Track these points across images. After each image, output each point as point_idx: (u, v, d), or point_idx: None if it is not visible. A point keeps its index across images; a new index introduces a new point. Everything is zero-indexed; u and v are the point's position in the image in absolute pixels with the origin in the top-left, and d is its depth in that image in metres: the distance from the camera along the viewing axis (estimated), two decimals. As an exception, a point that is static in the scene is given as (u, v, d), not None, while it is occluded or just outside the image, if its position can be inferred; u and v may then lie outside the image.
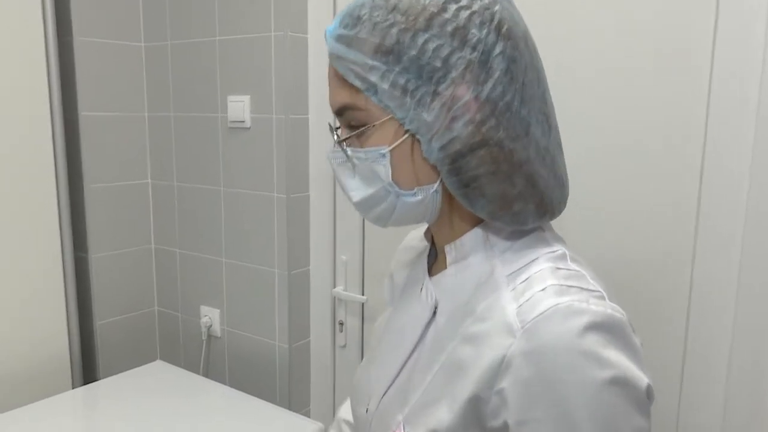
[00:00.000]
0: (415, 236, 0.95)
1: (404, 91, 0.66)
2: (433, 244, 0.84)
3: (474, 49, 0.65)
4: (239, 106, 1.79)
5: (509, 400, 0.63)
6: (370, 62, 0.67)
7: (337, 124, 0.77)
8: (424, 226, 0.87)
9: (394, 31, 0.66)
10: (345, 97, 0.70)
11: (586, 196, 1.31)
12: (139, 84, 2.02)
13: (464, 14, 0.65)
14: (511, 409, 0.63)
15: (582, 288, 0.65)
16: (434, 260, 0.83)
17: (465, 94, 0.65)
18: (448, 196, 0.72)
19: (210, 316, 1.99)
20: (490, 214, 0.70)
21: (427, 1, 0.66)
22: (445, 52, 0.65)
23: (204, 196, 1.95)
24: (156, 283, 2.15)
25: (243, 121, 1.79)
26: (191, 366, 2.07)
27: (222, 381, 1.96)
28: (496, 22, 0.66)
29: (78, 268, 1.91)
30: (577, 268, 0.69)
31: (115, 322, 2.05)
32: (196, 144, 1.94)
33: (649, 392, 0.63)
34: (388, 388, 0.78)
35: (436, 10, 0.65)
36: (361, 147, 0.71)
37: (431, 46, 0.65)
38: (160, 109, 2.02)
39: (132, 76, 2.00)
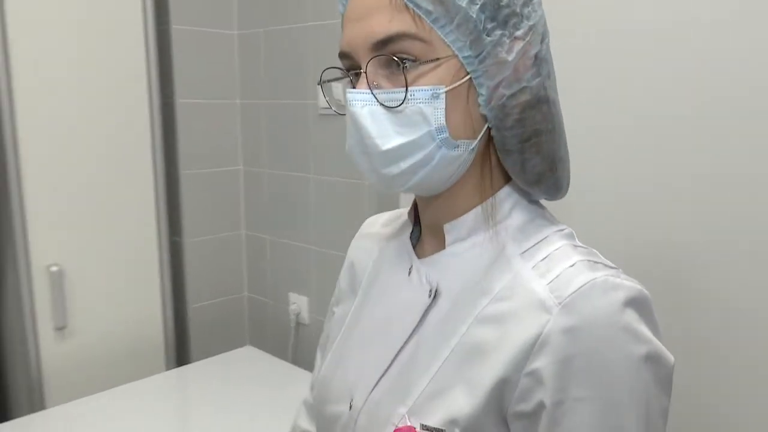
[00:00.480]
0: (375, 222, 0.90)
1: (483, 27, 0.62)
2: (416, 224, 0.78)
3: (539, 6, 0.66)
4: (331, 92, 1.77)
5: (546, 379, 0.60)
6: None
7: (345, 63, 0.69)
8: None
9: None
10: (404, 24, 0.61)
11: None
12: (231, 71, 2.05)
13: None
14: (548, 388, 0.60)
15: (606, 265, 0.65)
16: (417, 242, 0.77)
17: (533, 47, 0.65)
18: (478, 162, 0.68)
19: (298, 303, 1.99)
20: (538, 177, 0.68)
21: None
22: (519, 1, 0.64)
23: (294, 183, 1.95)
24: (246, 269, 2.18)
25: (340, 98, 1.76)
26: (279, 352, 2.08)
27: (309, 369, 1.96)
28: None
29: (172, 253, 1.95)
30: (588, 247, 0.69)
31: (207, 306, 2.09)
32: (287, 131, 1.94)
33: (672, 369, 0.64)
34: (380, 379, 0.71)
35: None
36: (412, 84, 0.62)
37: None
38: (251, 97, 2.04)
39: (225, 63, 2.03)
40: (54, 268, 1.66)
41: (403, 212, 0.86)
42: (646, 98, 1.20)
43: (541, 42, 0.66)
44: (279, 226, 2.03)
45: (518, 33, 0.63)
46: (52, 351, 1.70)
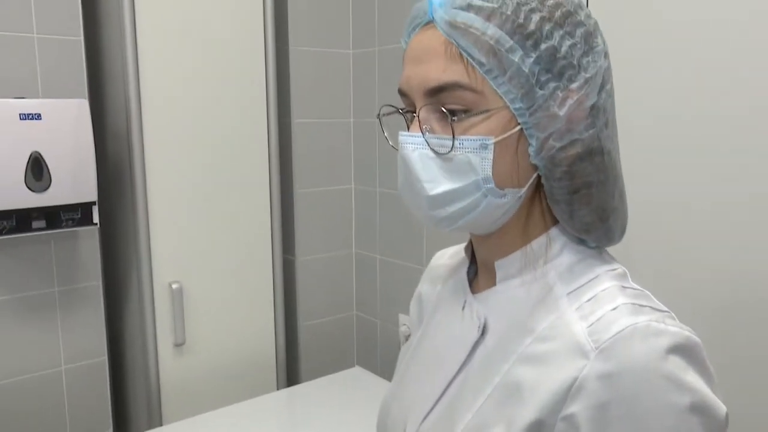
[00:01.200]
0: (444, 254, 0.92)
1: (536, 80, 0.62)
2: (473, 260, 0.79)
3: (600, 57, 0.65)
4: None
5: (581, 425, 0.59)
6: (511, 41, 0.61)
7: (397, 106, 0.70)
8: (451, 245, 0.89)
9: (536, 17, 0.62)
10: (457, 74, 0.62)
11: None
12: (345, 90, 2.04)
13: (591, 21, 0.66)
14: None
15: (653, 308, 0.63)
16: (474, 277, 0.79)
17: (589, 98, 0.64)
18: (527, 205, 0.68)
19: (408, 325, 1.95)
20: (587, 226, 0.68)
21: None
22: (578, 52, 0.64)
23: (406, 203, 1.91)
24: (355, 288, 2.16)
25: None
26: (388, 374, 2.04)
27: (418, 393, 1.91)
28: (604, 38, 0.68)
29: (284, 271, 1.96)
30: (641, 288, 0.67)
31: (317, 325, 2.09)
32: (400, 150, 1.91)
33: (726, 421, 0.61)
34: (430, 411, 0.73)
35: (571, 9, 0.64)
36: (462, 134, 0.62)
37: (567, 42, 0.63)
38: (365, 115, 2.02)
39: (339, 82, 2.03)
40: (175, 285, 1.70)
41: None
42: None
43: (599, 92, 0.65)
44: (390, 245, 2.00)
45: (573, 86, 0.63)
46: (170, 367, 1.74)
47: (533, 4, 0.63)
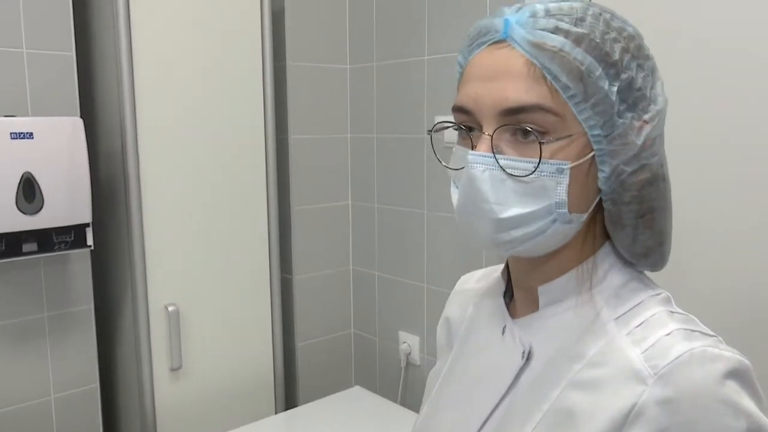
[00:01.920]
0: (470, 278, 0.91)
1: (617, 109, 0.62)
2: (508, 283, 0.78)
3: (662, 89, 0.66)
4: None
5: None
6: (599, 68, 0.61)
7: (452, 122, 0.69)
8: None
9: (617, 47, 0.62)
10: (540, 97, 0.61)
11: None
12: (342, 106, 2.02)
13: (652, 54, 0.67)
14: None
15: (703, 333, 0.63)
16: (510, 301, 0.77)
17: (656, 128, 0.65)
18: (583, 230, 0.67)
19: (409, 342, 1.92)
20: (647, 250, 0.68)
21: (631, 30, 0.65)
22: (649, 84, 0.64)
23: (406, 218, 1.89)
24: (353, 306, 2.13)
25: (452, 142, 1.70)
26: (387, 393, 2.01)
27: (419, 411, 1.88)
28: None
29: (282, 290, 1.92)
30: (686, 313, 0.66)
31: (314, 344, 2.05)
32: (399, 166, 1.89)
33: None
34: None
35: (641, 42, 0.65)
36: (545, 158, 0.62)
37: (641, 75, 0.63)
38: (362, 131, 2.00)
39: (337, 98, 2.00)
40: (171, 308, 1.65)
41: (495, 269, 0.86)
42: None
43: (663, 122, 0.66)
44: (388, 262, 1.97)
45: (646, 116, 0.64)
46: (166, 392, 1.68)
47: (613, 34, 0.62)
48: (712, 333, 0.64)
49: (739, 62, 1.20)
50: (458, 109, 0.66)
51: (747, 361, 0.61)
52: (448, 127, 0.70)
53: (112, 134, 1.60)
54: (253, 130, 1.77)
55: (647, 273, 0.73)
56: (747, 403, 0.59)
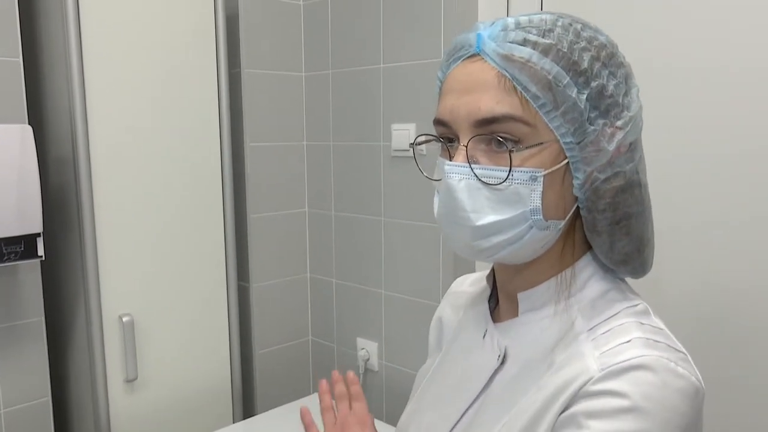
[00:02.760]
0: (464, 281, 0.93)
1: (587, 117, 0.64)
2: (494, 289, 0.80)
3: (637, 96, 0.68)
4: (404, 134, 1.73)
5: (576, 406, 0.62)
6: (567, 77, 0.63)
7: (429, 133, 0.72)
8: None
9: (587, 55, 0.64)
10: (511, 107, 0.63)
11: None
12: (298, 113, 2.02)
13: (627, 63, 0.68)
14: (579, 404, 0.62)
15: (670, 346, 0.64)
16: (496, 306, 0.80)
17: (630, 134, 0.66)
18: (562, 238, 0.69)
19: (367, 348, 1.93)
20: (626, 257, 0.69)
21: (603, 38, 0.66)
22: (621, 91, 0.66)
23: (363, 225, 1.90)
24: (311, 313, 2.12)
25: (408, 150, 1.72)
26: (345, 399, 2.01)
27: (379, 417, 1.89)
28: None
29: (239, 298, 1.91)
30: (662, 326, 0.68)
31: (272, 352, 2.04)
32: (356, 173, 1.90)
33: None
34: None
35: (613, 50, 0.67)
36: (516, 166, 0.64)
37: (612, 82, 0.65)
38: (319, 138, 2.00)
39: (292, 105, 2.00)
40: (126, 318, 1.62)
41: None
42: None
43: (639, 128, 0.68)
44: (346, 269, 1.98)
45: (619, 123, 0.65)
46: (121, 404, 1.65)
47: (583, 44, 0.64)
48: (680, 349, 0.65)
49: (717, 67, 1.24)
50: (437, 122, 0.69)
51: (702, 387, 0.62)
52: (430, 140, 0.72)
53: (62, 141, 1.56)
54: (209, 137, 1.75)
55: (629, 281, 0.75)
56: (688, 421, 0.60)
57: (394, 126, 1.76)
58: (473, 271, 1.70)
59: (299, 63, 2.00)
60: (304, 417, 0.88)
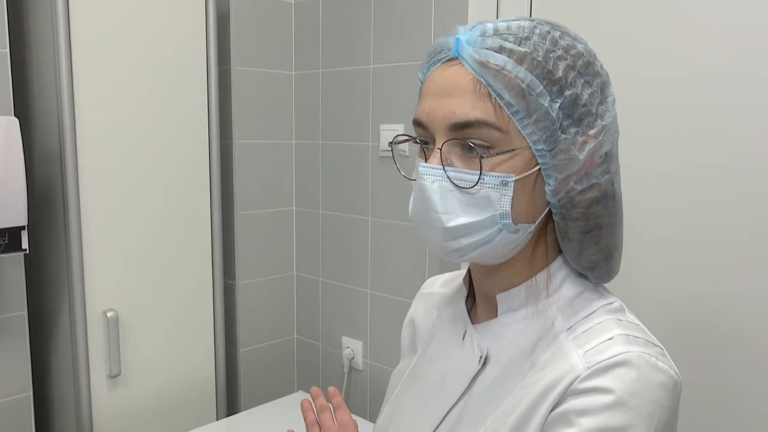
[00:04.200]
0: (435, 282, 0.93)
1: (560, 125, 0.64)
2: (470, 290, 0.81)
3: (612, 106, 0.68)
4: (392, 135, 1.74)
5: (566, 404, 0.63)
6: (541, 86, 0.63)
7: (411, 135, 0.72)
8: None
9: (562, 64, 0.64)
10: (485, 113, 0.63)
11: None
12: (287, 112, 2.02)
13: (605, 72, 0.69)
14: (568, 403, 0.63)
15: (648, 341, 0.65)
16: (472, 306, 0.80)
17: (604, 145, 0.67)
18: (533, 240, 0.70)
19: (352, 347, 1.93)
20: (593, 264, 0.71)
21: (580, 47, 0.67)
22: (596, 100, 0.66)
23: (350, 225, 1.90)
24: (296, 311, 2.13)
25: (386, 151, 1.73)
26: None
27: (363, 416, 1.89)
28: None
29: (225, 296, 1.90)
30: (638, 321, 0.69)
31: (257, 350, 2.03)
32: (344, 172, 1.90)
33: None
34: None
35: (590, 59, 0.67)
36: (486, 171, 0.65)
37: (587, 91, 0.65)
38: (307, 137, 2.01)
39: (282, 103, 2.00)
40: (110, 313, 1.61)
41: (458, 275, 0.88)
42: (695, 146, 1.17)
43: (613, 139, 0.68)
44: (332, 268, 1.98)
45: (591, 132, 0.66)
46: (104, 400, 1.64)
47: (559, 52, 0.65)
48: (657, 343, 0.67)
49: (700, 74, 1.26)
50: (416, 123, 0.69)
51: (680, 380, 0.65)
52: (407, 140, 0.73)
53: (49, 134, 1.55)
54: (197, 133, 1.75)
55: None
56: (667, 414, 0.62)
57: (383, 126, 1.76)
58: (452, 269, 1.72)
59: (289, 61, 2.01)
60: (306, 414, 0.90)
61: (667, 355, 0.66)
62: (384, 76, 1.76)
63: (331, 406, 0.91)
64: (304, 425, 0.89)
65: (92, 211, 1.57)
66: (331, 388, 0.91)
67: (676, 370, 0.65)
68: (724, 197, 1.22)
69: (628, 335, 0.65)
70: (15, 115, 1.47)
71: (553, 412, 0.63)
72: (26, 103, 1.61)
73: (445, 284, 0.91)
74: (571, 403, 0.62)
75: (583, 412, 0.61)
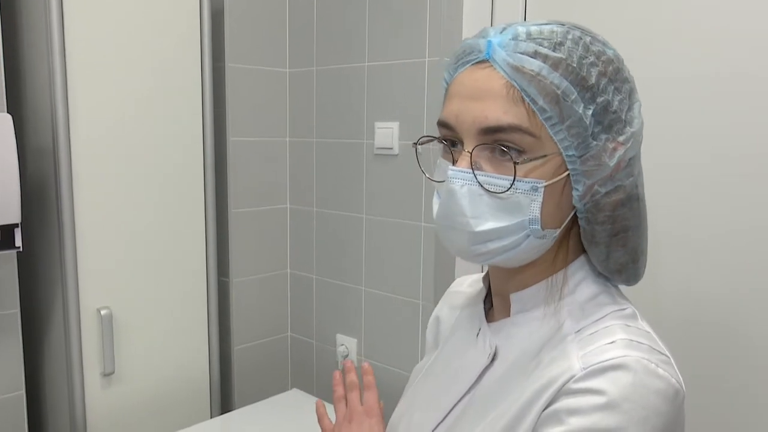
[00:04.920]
0: (463, 281, 0.95)
1: (591, 132, 0.64)
2: (489, 290, 0.82)
3: (639, 112, 0.68)
4: (387, 133, 1.74)
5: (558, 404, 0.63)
6: (575, 92, 0.63)
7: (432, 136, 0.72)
8: (468, 272, 0.93)
9: (594, 71, 0.65)
10: (518, 118, 0.63)
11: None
12: (282, 109, 2.02)
13: (632, 77, 0.69)
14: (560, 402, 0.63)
15: (652, 348, 0.65)
16: (490, 306, 0.82)
17: (631, 150, 0.67)
18: (556, 244, 0.70)
19: (346, 345, 1.94)
20: (620, 267, 0.71)
21: (610, 53, 0.67)
22: (625, 107, 0.66)
23: (345, 222, 1.91)
24: (290, 309, 2.12)
25: (391, 148, 1.74)
26: (324, 395, 2.02)
27: (357, 414, 1.89)
28: None
29: (219, 293, 1.90)
30: (648, 329, 0.69)
31: (251, 348, 2.03)
32: (339, 170, 1.90)
33: None
34: (434, 430, 0.77)
35: (619, 65, 0.67)
36: (519, 176, 0.65)
37: (617, 98, 0.66)
38: (302, 135, 2.00)
39: (276, 101, 2.00)
40: (104, 311, 1.60)
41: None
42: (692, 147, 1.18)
43: (638, 145, 0.69)
44: (327, 265, 1.99)
45: (621, 138, 0.66)
46: (98, 398, 1.63)
47: (592, 58, 0.65)
48: (664, 352, 0.66)
49: (707, 74, 1.27)
50: (442, 124, 0.69)
51: (683, 390, 0.64)
52: (431, 140, 0.73)
53: (43, 131, 1.54)
54: (191, 130, 1.75)
55: (621, 287, 0.76)
56: (658, 421, 0.61)
57: (378, 124, 1.76)
58: (453, 269, 1.72)
59: (284, 59, 2.00)
60: (318, 408, 0.91)
61: (673, 364, 0.66)
62: (379, 73, 1.76)
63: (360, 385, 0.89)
64: (332, 399, 0.89)
65: (86, 208, 1.57)
66: (365, 365, 0.89)
67: (680, 380, 0.64)
68: (724, 197, 1.23)
69: (631, 340, 0.65)
70: (8, 112, 1.46)
71: (545, 411, 0.64)
72: (19, 99, 1.60)
73: (472, 284, 0.91)
74: (563, 403, 0.62)
75: (573, 412, 0.61)
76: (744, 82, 1.19)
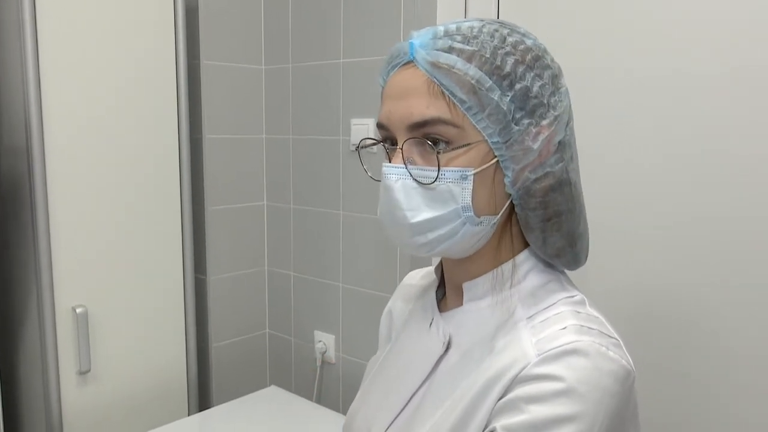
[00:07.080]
0: (416, 274, 0.96)
1: (512, 117, 0.67)
2: (442, 280, 0.84)
3: (565, 96, 0.72)
4: (363, 129, 1.75)
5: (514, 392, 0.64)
6: (490, 81, 0.66)
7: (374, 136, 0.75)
8: (421, 267, 0.96)
9: (511, 59, 0.67)
10: (440, 111, 0.67)
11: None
12: (258, 106, 2.02)
13: (555, 65, 0.72)
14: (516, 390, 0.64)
15: (602, 332, 0.67)
16: (443, 297, 0.84)
17: (558, 134, 0.69)
18: (498, 232, 0.73)
19: (324, 341, 1.95)
20: (558, 251, 0.73)
21: (529, 42, 0.70)
22: (547, 92, 0.69)
23: (322, 219, 1.91)
24: (268, 306, 2.13)
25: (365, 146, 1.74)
26: (303, 392, 2.03)
27: (336, 409, 1.91)
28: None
29: (196, 291, 1.90)
30: (597, 314, 0.71)
31: (229, 345, 2.03)
32: (315, 166, 1.91)
33: None
34: (393, 421, 0.78)
35: (539, 53, 0.70)
36: (444, 166, 0.67)
37: (537, 83, 0.68)
38: (278, 132, 2.01)
39: (252, 98, 2.00)
40: (79, 309, 1.60)
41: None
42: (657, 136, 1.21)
43: (566, 128, 0.71)
44: (304, 262, 1.99)
45: (544, 122, 0.68)
46: (74, 396, 1.63)
47: (508, 48, 0.68)
48: (613, 335, 0.68)
49: (651, 63, 1.29)
50: (379, 126, 0.73)
51: (633, 370, 0.66)
52: (375, 144, 0.77)
53: (15, 130, 1.54)
54: (167, 128, 1.74)
55: (569, 274, 0.79)
56: (622, 402, 0.64)
57: (354, 121, 1.78)
58: (430, 264, 1.74)
59: (259, 56, 2.01)
60: None
61: (623, 347, 0.68)
62: (354, 70, 1.77)
63: None
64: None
65: (60, 206, 1.56)
66: None
67: (630, 361, 0.67)
68: (672, 191, 1.26)
69: (582, 326, 0.67)
70: (-20, 110, 1.45)
71: (502, 399, 0.65)
72: (-9, 97, 1.59)
73: (424, 276, 0.93)
74: (521, 390, 0.64)
75: (532, 399, 0.62)
76: (721, 79, 1.21)
